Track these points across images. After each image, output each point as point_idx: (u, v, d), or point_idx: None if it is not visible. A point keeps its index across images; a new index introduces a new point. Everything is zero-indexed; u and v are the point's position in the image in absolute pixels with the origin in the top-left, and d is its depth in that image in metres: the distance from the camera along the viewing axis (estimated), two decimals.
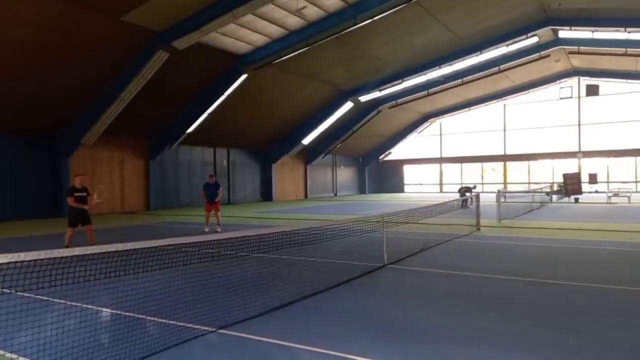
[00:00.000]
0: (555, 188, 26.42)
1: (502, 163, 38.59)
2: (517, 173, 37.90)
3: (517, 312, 5.42)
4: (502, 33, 23.88)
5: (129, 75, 17.76)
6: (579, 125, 35.28)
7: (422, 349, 4.24)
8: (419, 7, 18.88)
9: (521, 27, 23.43)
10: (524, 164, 37.54)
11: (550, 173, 35.17)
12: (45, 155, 20.12)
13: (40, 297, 5.41)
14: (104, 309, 5.48)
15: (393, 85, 28.71)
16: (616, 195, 24.61)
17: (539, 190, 24.06)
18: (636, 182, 32.91)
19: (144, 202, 24.10)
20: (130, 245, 4.32)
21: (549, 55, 28.19)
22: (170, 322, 4.96)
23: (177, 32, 16.43)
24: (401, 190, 42.38)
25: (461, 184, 23.78)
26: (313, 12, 18.34)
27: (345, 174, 40.28)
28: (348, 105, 30.01)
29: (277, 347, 4.29)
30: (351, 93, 28.96)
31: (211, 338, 4.56)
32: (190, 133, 23.88)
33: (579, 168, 33.35)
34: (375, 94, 29.59)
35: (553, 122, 35.97)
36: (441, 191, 39.77)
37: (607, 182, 33.02)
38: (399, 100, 31.99)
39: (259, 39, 19.89)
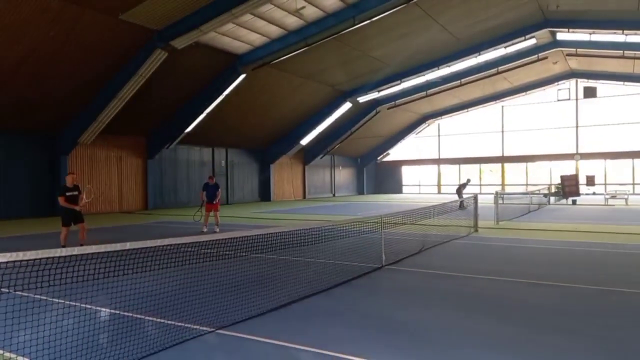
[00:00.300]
0: (553, 190, 26.47)
1: (500, 164, 38.66)
2: (515, 174, 37.97)
3: (516, 314, 5.44)
4: (501, 34, 23.95)
5: (127, 74, 17.75)
6: (577, 127, 35.39)
7: (420, 350, 4.25)
8: (417, 8, 18.91)
9: (519, 28, 23.50)
10: (521, 166, 37.62)
11: (548, 175, 35.24)
12: (44, 153, 20.08)
13: (38, 296, 5.40)
14: (103, 309, 5.48)
15: (392, 86, 28.74)
16: (614, 197, 24.68)
17: (537, 192, 24.10)
18: (634, 184, 33.01)
19: (142, 201, 24.07)
20: (128, 245, 4.32)
21: (547, 57, 28.26)
22: (169, 322, 4.96)
23: (175, 31, 16.42)
24: (399, 191, 42.42)
25: (459, 184, 23.82)
26: (312, 12, 18.35)
27: (343, 175, 40.30)
28: (347, 106, 30.02)
29: (276, 348, 4.30)
30: (350, 93, 28.98)
31: (209, 338, 4.57)
32: (188, 133, 23.86)
33: (577, 170, 33.45)
34: (374, 95, 29.62)
35: (551, 124, 36.07)
36: (439, 192, 39.82)
37: (605, 184, 33.11)
38: (398, 101, 32.04)
39: (257, 39, 19.89)
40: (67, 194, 9.80)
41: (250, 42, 20.02)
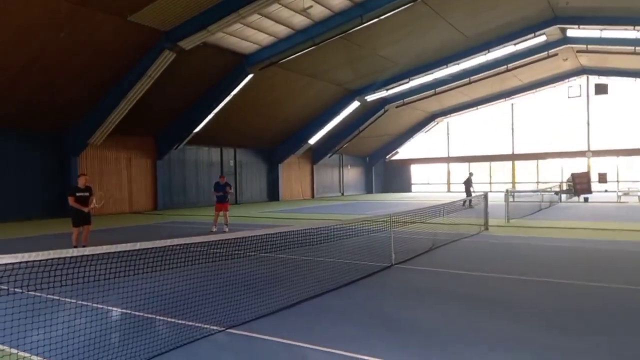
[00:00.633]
0: (565, 187, 26.18)
1: (510, 162, 38.33)
2: (526, 172, 37.64)
3: (526, 313, 5.38)
4: (510, 32, 23.72)
5: (136, 75, 17.86)
6: (588, 124, 34.99)
7: (430, 349, 4.22)
8: (425, 6, 18.79)
9: (529, 25, 23.26)
10: (532, 163, 37.28)
11: (559, 172, 34.88)
12: (54, 154, 20.28)
13: (50, 296, 5.45)
14: (114, 309, 5.51)
15: (400, 85, 28.61)
16: (626, 194, 24.36)
17: (548, 189, 23.86)
18: None
19: (152, 201, 24.23)
20: (139, 245, 4.34)
21: (557, 54, 27.96)
22: (179, 321, 4.98)
23: (183, 32, 16.50)
24: (408, 189, 42.25)
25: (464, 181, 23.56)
26: (319, 12, 18.32)
27: (352, 174, 40.23)
28: (355, 105, 29.95)
29: (285, 347, 4.29)
30: (358, 92, 28.91)
31: (220, 338, 4.58)
32: (197, 133, 23.97)
33: (589, 167, 33.06)
34: (382, 93, 29.51)
35: (562, 121, 35.69)
36: (449, 190, 39.60)
37: (617, 181, 32.69)
38: (406, 100, 31.89)
39: (265, 39, 19.91)
40: (78, 194, 9.83)
41: (258, 41, 20.05)
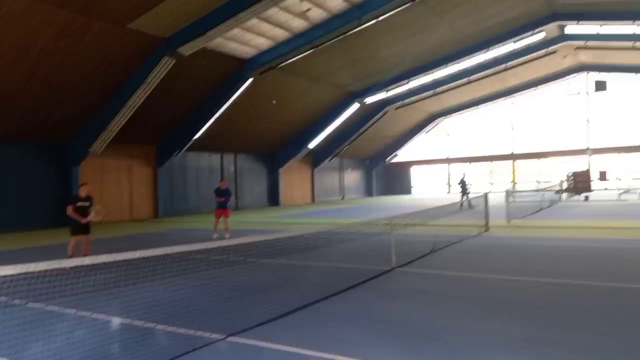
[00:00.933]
0: (565, 186, 26.08)
1: (510, 162, 38.27)
2: (527, 171, 37.56)
3: (530, 314, 5.35)
4: (509, 30, 23.70)
5: (136, 82, 17.88)
6: (588, 121, 34.93)
7: (433, 353, 4.19)
8: (423, 7, 18.81)
9: (527, 23, 23.25)
10: (533, 162, 37.20)
11: (560, 171, 34.79)
12: (54, 164, 20.28)
13: (50, 307, 5.44)
14: (113, 318, 5.49)
15: (399, 86, 28.61)
16: (626, 192, 24.27)
17: (548, 188, 23.80)
18: None
19: (153, 209, 24.22)
20: (138, 254, 4.33)
21: (556, 51, 27.94)
22: (180, 330, 4.95)
23: (182, 38, 16.52)
24: (408, 192, 42.20)
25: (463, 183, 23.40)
26: (317, 14, 18.35)
27: (352, 177, 40.20)
28: (354, 107, 29.94)
29: (288, 355, 4.26)
30: (358, 95, 28.91)
31: (221, 346, 4.55)
32: (197, 139, 23.99)
33: (589, 165, 32.97)
34: (382, 95, 29.51)
35: (562, 119, 35.64)
36: (449, 192, 39.54)
37: (618, 179, 32.56)
38: (406, 101, 31.88)
39: (264, 43, 19.95)
40: (78, 204, 9.77)
41: (257, 46, 20.08)
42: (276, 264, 8.19)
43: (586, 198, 24.46)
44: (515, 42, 24.79)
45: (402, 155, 42.42)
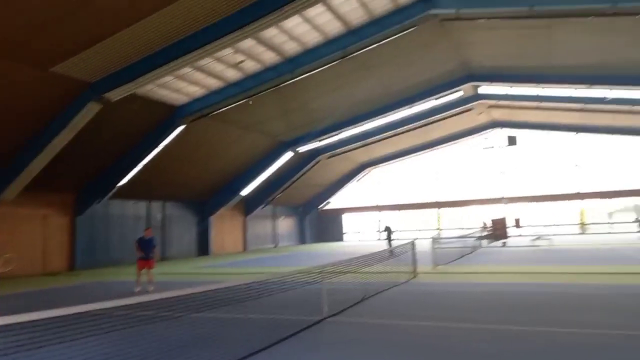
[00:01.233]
0: (485, 233, 27.67)
1: (436, 209, 40.18)
2: (451, 218, 39.55)
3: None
4: (431, 87, 25.59)
5: (57, 127, 16.92)
6: (503, 173, 37.87)
7: None
8: (353, 63, 19.89)
9: (446, 82, 25.28)
10: (456, 210, 39.33)
11: (481, 218, 37.01)
12: None
13: None
14: None
15: (331, 136, 29.54)
16: (539, 238, 26.25)
17: (470, 235, 25.16)
18: (556, 225, 35.34)
19: (68, 261, 22.39)
20: (46, 314, 3.96)
21: (472, 109, 30.47)
22: None
23: (110, 84, 16.05)
24: (340, 239, 42.66)
25: (386, 229, 24.61)
26: (251, 66, 18.77)
27: (285, 224, 40.03)
28: (288, 156, 30.35)
29: None
30: (290, 144, 29.39)
31: None
32: (122, 186, 22.92)
33: (504, 213, 35.40)
34: (314, 145, 30.24)
35: (480, 170, 38.38)
36: (380, 239, 40.46)
37: (530, 226, 35.15)
38: (337, 150, 32.87)
39: (196, 91, 19.93)
40: None
41: (189, 93, 20.01)
42: (204, 318, 7.82)
43: (504, 244, 26.06)
44: (436, 99, 26.79)
45: (335, 202, 43.14)
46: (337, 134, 29.35)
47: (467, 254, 20.88)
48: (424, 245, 16.98)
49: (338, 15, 16.49)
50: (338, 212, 43.39)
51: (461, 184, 38.96)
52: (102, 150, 20.68)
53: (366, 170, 41.34)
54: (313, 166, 33.63)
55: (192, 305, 7.00)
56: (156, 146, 21.61)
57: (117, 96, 16.45)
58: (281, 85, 19.81)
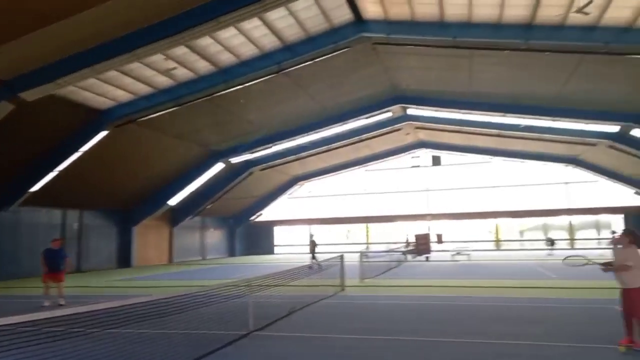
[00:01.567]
0: (410, 247, 28.82)
1: (365, 224, 41.24)
2: (379, 233, 40.75)
3: None
4: (362, 106, 26.45)
5: None
6: (428, 191, 39.81)
7: None
8: (287, 78, 20.11)
9: (377, 102, 26.26)
10: (384, 225, 40.62)
11: (407, 233, 38.49)
12: None
13: None
14: None
15: (264, 149, 29.47)
16: (459, 253, 27.81)
17: (396, 249, 26.10)
18: (474, 241, 37.58)
19: None
20: None
21: (401, 129, 31.86)
22: None
23: (26, 83, 14.90)
24: (271, 251, 42.37)
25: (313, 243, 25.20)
26: (183, 73, 18.35)
27: (214, 236, 39.07)
28: (219, 166, 29.80)
29: None
30: (223, 154, 28.92)
31: None
32: (35, 192, 21.23)
33: (428, 229, 37.15)
34: (247, 156, 29.98)
35: (407, 188, 40.06)
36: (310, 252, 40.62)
37: (451, 241, 37.11)
38: (271, 163, 32.81)
39: (123, 95, 19.08)
40: None
41: (115, 98, 19.11)
42: (122, 334, 7.44)
43: (427, 258, 27.30)
44: (366, 118, 27.74)
45: (266, 215, 42.86)
46: (270, 147, 29.35)
47: (394, 268, 21.62)
48: (353, 259, 17.37)
49: (274, 31, 16.66)
50: (269, 225, 43.12)
51: (389, 200, 40.37)
52: (13, 153, 19.08)
53: (299, 184, 41.59)
54: (245, 178, 33.27)
55: (108, 321, 6.64)
56: (75, 151, 20.34)
57: (34, 96, 15.30)
58: (215, 95, 19.56)
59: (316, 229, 40.93)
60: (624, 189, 33.48)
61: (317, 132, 28.58)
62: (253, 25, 15.97)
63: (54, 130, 19.25)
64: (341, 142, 31.68)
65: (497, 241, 38.94)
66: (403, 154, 39.01)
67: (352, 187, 41.47)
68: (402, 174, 40.50)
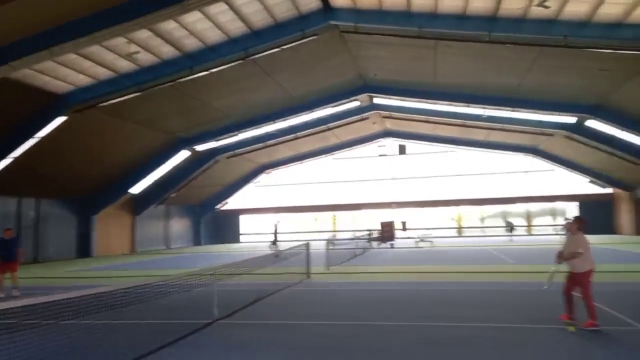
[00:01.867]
0: (375, 235, 29.23)
1: (332, 212, 41.51)
2: (345, 221, 41.14)
3: (353, 358, 5.78)
4: (329, 95, 26.48)
5: None
6: (393, 179, 40.39)
7: None
8: (255, 65, 19.83)
9: (345, 91, 26.35)
10: (350, 213, 41.01)
11: (373, 221, 38.99)
12: None
13: None
14: None
15: (231, 136, 29.07)
16: (422, 240, 28.45)
17: (361, 237, 26.45)
18: (437, 228, 38.47)
19: None
20: None
21: (368, 118, 32.08)
22: None
23: None
24: (237, 240, 42.10)
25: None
26: (147, 58, 17.78)
27: (179, 225, 38.43)
28: (184, 154, 29.23)
29: None
30: (188, 142, 28.35)
31: None
32: None
33: (394, 217, 37.75)
34: (213, 144, 29.50)
35: (374, 176, 40.51)
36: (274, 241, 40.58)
37: (415, 228, 37.89)
38: (237, 151, 32.43)
39: (83, 79, 18.34)
40: None
41: (74, 82, 18.35)
42: (80, 325, 7.25)
43: (392, 245, 27.79)
44: (333, 106, 27.77)
45: (232, 203, 42.45)
46: (237, 135, 28.97)
47: (359, 255, 21.91)
48: (319, 247, 17.47)
49: (241, 16, 16.35)
50: (235, 213, 42.76)
51: (356, 188, 40.72)
52: None
53: (267, 172, 41.34)
54: (211, 166, 32.78)
55: (65, 312, 6.45)
56: (31, 136, 19.48)
57: None
58: (179, 80, 19.09)
59: (283, 217, 40.89)
60: (579, 177, 35.05)
61: (284, 120, 28.43)
62: (219, 9, 15.62)
63: (7, 115, 18.34)
64: (308, 131, 31.65)
65: (460, 228, 40.05)
66: (370, 143, 39.36)
67: (319, 175, 41.57)
68: (369, 163, 40.90)
